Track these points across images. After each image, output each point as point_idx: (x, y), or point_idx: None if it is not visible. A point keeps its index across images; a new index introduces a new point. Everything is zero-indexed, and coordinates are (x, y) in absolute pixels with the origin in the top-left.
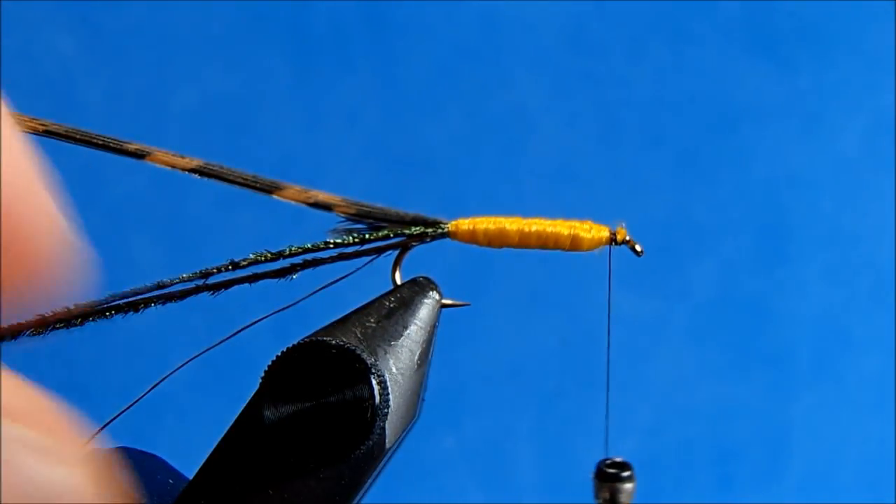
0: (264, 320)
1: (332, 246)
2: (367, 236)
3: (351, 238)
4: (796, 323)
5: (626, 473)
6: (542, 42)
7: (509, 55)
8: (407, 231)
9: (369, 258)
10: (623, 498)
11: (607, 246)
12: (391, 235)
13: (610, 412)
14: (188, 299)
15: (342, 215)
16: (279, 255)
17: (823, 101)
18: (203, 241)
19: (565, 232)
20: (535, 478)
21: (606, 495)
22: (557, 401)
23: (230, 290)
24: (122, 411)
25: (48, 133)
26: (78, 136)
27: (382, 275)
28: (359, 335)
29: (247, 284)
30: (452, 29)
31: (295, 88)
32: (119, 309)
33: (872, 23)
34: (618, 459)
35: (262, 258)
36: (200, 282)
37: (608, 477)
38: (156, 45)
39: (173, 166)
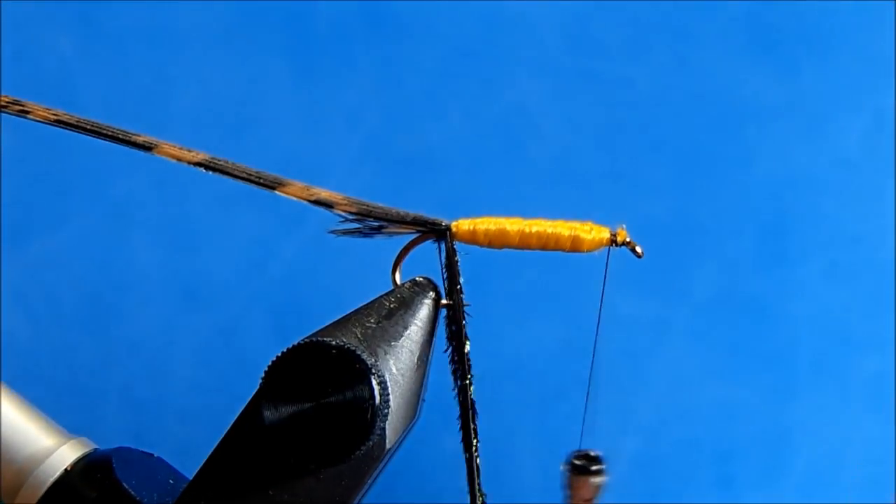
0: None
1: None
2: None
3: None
4: (797, 323)
5: (595, 467)
6: (542, 42)
7: (510, 55)
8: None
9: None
10: (592, 491)
11: (608, 247)
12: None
13: (610, 413)
14: (189, 301)
15: (343, 214)
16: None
17: (825, 101)
18: (203, 241)
19: (566, 233)
20: (535, 478)
21: (576, 487)
22: (558, 401)
23: (229, 291)
24: None
25: (59, 123)
26: (88, 127)
27: (382, 275)
28: (359, 335)
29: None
30: (453, 29)
31: (295, 88)
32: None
33: (874, 23)
34: (591, 453)
35: None
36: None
37: (578, 469)
38: (156, 45)
39: (179, 159)
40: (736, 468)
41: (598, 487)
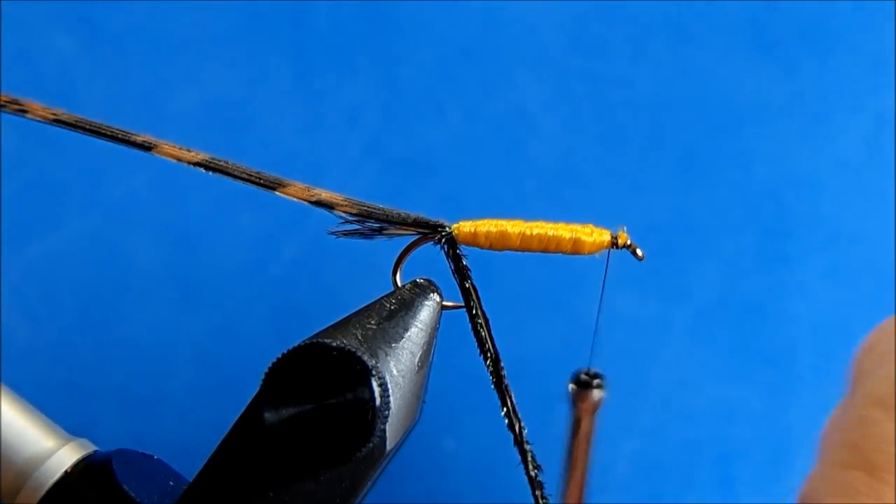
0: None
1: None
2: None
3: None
4: (797, 324)
5: (597, 381)
6: (542, 42)
7: (509, 55)
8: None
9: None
10: (594, 403)
11: (608, 249)
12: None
13: (610, 413)
14: (189, 301)
15: (343, 215)
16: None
17: (825, 101)
18: (203, 241)
19: (567, 235)
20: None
21: (579, 400)
22: (558, 403)
23: (229, 292)
24: None
25: (58, 122)
26: (87, 126)
27: (383, 276)
28: (359, 337)
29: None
30: (453, 29)
31: (295, 88)
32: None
33: (875, 22)
34: (593, 371)
35: None
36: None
37: (582, 384)
38: (156, 45)
39: (179, 159)
40: (736, 469)
41: (599, 400)
